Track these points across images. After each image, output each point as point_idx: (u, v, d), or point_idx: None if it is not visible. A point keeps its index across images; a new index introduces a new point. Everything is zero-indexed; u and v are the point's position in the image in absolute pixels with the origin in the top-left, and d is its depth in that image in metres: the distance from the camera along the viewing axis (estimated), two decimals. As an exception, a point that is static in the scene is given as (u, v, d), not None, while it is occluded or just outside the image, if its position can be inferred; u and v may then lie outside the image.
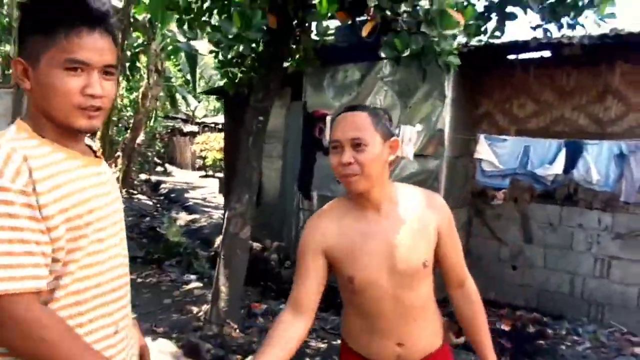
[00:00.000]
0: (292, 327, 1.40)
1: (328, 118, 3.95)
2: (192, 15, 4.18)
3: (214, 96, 10.19)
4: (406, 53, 2.63)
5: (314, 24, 4.53)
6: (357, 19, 3.51)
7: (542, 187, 3.71)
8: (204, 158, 17.82)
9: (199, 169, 19.34)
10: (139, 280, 5.00)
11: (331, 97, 5.63)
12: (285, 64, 4.92)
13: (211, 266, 6.39)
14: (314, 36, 4.59)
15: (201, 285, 4.83)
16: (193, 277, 5.04)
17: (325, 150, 4.07)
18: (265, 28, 3.80)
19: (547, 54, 4.75)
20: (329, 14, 2.66)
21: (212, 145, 17.04)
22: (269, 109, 3.84)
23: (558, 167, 3.44)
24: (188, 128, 21.53)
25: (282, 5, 3.58)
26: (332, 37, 5.95)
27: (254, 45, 3.80)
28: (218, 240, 6.80)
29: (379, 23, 2.67)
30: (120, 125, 14.24)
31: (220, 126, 18.92)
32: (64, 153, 1.02)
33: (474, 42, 4.41)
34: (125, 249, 1.17)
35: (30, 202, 0.93)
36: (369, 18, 2.71)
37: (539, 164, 3.54)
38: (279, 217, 6.70)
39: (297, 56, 4.62)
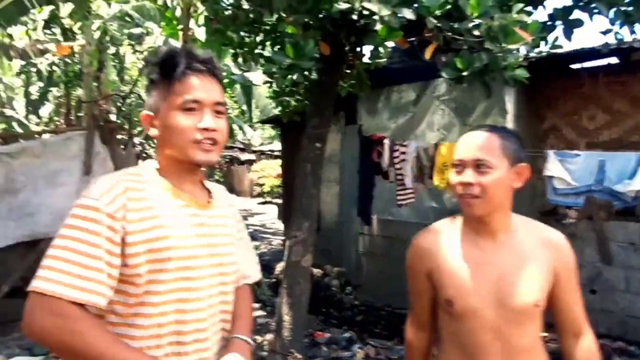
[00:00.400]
0: (421, 345, 1.52)
1: (386, 141, 3.89)
2: (245, 49, 4.29)
3: (270, 124, 10.38)
4: (469, 72, 2.53)
5: (366, 47, 4.53)
6: (412, 38, 3.46)
7: (623, 205, 3.43)
8: (262, 185, 18.14)
9: (257, 196, 19.69)
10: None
11: (386, 119, 5.58)
12: (339, 89, 4.94)
13: (273, 293, 6.39)
14: (365, 59, 4.58)
15: (264, 313, 4.82)
16: (256, 305, 5.03)
17: (384, 174, 4.01)
18: (318, 56, 3.84)
19: (616, 60, 4.47)
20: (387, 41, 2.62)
21: (269, 172, 17.35)
22: (326, 135, 3.83)
23: (639, 182, 3.17)
24: (245, 156, 22.08)
25: (334, 33, 3.60)
26: (384, 59, 5.94)
27: (307, 73, 3.82)
28: (279, 266, 6.81)
29: (441, 44, 2.60)
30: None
31: (276, 153, 19.27)
32: (170, 192, 1.15)
33: (534, 53, 4.24)
34: (227, 294, 1.22)
35: (115, 227, 1.04)
36: (428, 39, 2.64)
37: (618, 180, 3.28)
38: (338, 242, 6.64)
39: (350, 80, 4.62)
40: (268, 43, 4.33)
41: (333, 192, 6.79)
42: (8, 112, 14.88)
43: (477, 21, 2.48)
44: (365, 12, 3.01)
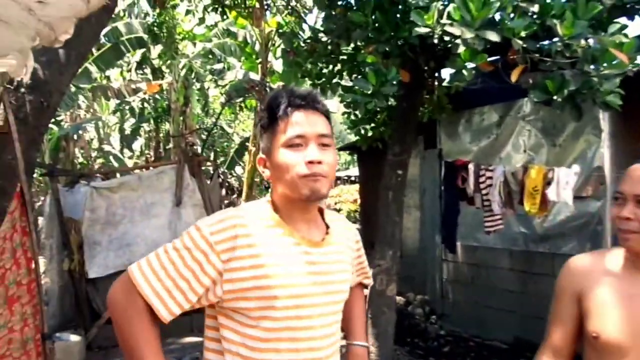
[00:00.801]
0: None
1: (470, 166, 3.77)
2: (323, 80, 4.39)
3: (346, 151, 10.49)
4: (560, 95, 2.41)
5: (445, 71, 4.47)
6: (493, 57, 3.37)
7: None
8: (339, 210, 18.22)
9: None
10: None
11: (468, 142, 5.42)
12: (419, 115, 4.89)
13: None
14: (445, 83, 4.51)
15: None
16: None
17: (470, 200, 3.88)
18: (399, 82, 3.84)
19: None
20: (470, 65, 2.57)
21: (346, 197, 17.40)
22: (407, 162, 3.79)
23: None
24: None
25: (413, 59, 3.59)
26: (465, 83, 5.80)
27: (389, 100, 3.83)
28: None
29: (528, 68, 2.51)
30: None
31: (353, 178, 19.33)
32: (282, 229, 1.17)
33: (630, 67, 3.95)
34: (339, 312, 1.25)
35: (213, 260, 1.10)
36: (513, 61, 2.56)
37: None
38: (420, 269, 6.47)
39: (430, 105, 4.56)
40: (345, 72, 4.41)
41: (413, 218, 6.66)
42: (106, 147, 16.22)
43: (567, 41, 2.36)
44: (446, 37, 2.98)
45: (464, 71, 2.58)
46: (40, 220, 6.89)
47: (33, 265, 2.83)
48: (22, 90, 3.51)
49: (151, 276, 1.09)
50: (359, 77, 3.42)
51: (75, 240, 5.11)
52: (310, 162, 1.13)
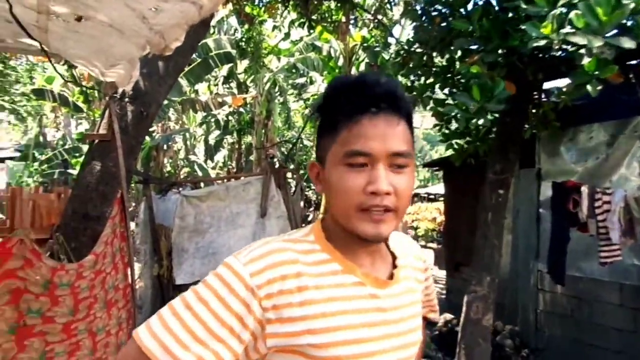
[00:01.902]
0: None
1: (584, 189, 3.40)
2: (414, 93, 4.21)
3: (431, 167, 10.15)
4: None
5: (553, 83, 4.13)
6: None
7: None
8: (416, 228, 17.72)
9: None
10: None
11: (572, 162, 4.96)
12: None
13: (437, 346, 5.99)
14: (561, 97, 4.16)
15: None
16: (424, 362, 4.71)
17: (582, 226, 3.49)
18: (506, 98, 3.58)
19: None
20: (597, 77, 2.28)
21: (424, 215, 16.90)
22: (509, 181, 3.50)
23: None
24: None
25: (521, 70, 3.32)
26: (573, 97, 5.38)
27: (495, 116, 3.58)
28: (441, 318, 6.40)
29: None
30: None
31: (431, 196, 18.78)
32: (340, 265, 0.88)
33: None
34: None
35: (252, 306, 0.80)
36: None
37: None
38: (511, 297, 6.01)
39: (533, 120, 4.23)
40: (438, 85, 4.20)
41: (505, 242, 6.20)
42: (192, 157, 16.97)
43: None
44: (565, 46, 2.71)
45: (589, 85, 2.29)
46: (133, 225, 7.24)
47: (129, 270, 2.88)
48: (125, 99, 3.65)
49: (173, 345, 0.78)
50: (460, 91, 3.20)
51: (164, 246, 5.26)
52: (374, 193, 0.83)
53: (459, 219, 7.22)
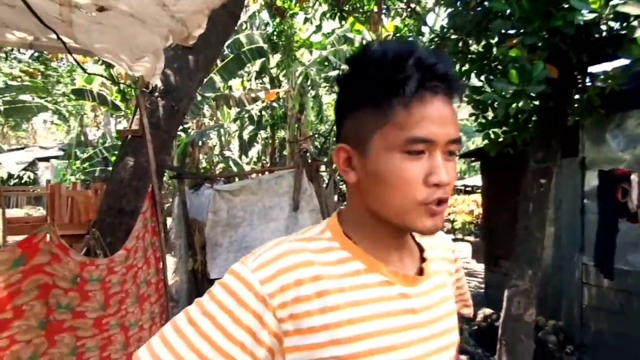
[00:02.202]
0: None
1: (634, 177, 3.19)
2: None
3: (469, 158, 9.89)
4: None
5: (599, 67, 3.90)
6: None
7: None
8: (453, 222, 17.39)
9: (447, 232, 18.94)
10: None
11: (619, 150, 4.69)
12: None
13: (476, 343, 5.82)
14: (599, 82, 3.93)
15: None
16: (463, 358, 4.58)
17: (632, 216, 3.28)
18: (546, 80, 3.40)
19: None
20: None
21: (461, 207, 16.56)
22: (552, 170, 3.32)
23: None
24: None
25: (564, 52, 3.13)
26: (619, 81, 5.10)
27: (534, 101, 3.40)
28: (480, 312, 6.23)
29: None
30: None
31: (468, 188, 18.39)
32: (363, 263, 0.77)
33: None
34: None
35: (269, 320, 0.71)
36: None
37: None
38: (555, 291, 5.77)
39: (577, 106, 4.00)
40: (474, 72, 4.03)
41: (547, 234, 5.96)
42: (226, 153, 17.16)
43: None
44: (612, 23, 2.52)
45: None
46: (169, 220, 7.34)
47: (161, 265, 2.88)
48: (156, 94, 3.67)
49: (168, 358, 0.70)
50: (497, 76, 3.05)
51: (198, 240, 5.30)
52: (437, 185, 0.73)
53: (497, 211, 7.00)
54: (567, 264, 5.47)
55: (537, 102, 3.67)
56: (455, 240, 17.10)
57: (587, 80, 3.74)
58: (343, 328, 0.72)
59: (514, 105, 3.13)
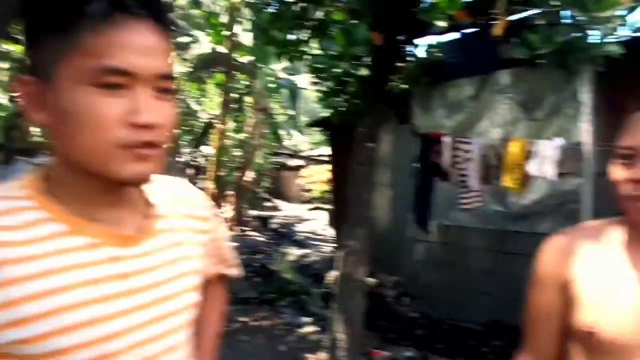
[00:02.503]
0: None
1: (446, 139, 3.50)
2: (290, 48, 4.04)
3: (317, 129, 10.18)
4: (547, 50, 2.14)
5: (421, 40, 4.17)
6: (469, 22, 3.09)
7: None
8: (311, 191, 17.95)
9: (306, 202, 19.51)
10: (254, 323, 4.82)
11: (443, 117, 5.16)
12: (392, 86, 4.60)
13: (325, 305, 6.10)
14: (421, 53, 4.23)
15: (316, 328, 4.51)
16: (306, 319, 4.74)
17: (444, 176, 3.61)
18: (369, 44, 3.53)
19: None
20: (446, 16, 2.25)
21: (318, 177, 17.13)
22: (379, 135, 3.50)
23: None
24: (294, 162, 21.99)
25: (387, 19, 3.27)
26: (440, 53, 5.54)
27: (358, 64, 3.52)
28: (329, 276, 6.52)
29: (512, 20, 2.23)
30: (231, 165, 14.83)
31: (325, 158, 19.05)
32: (66, 224, 0.65)
33: (612, 37, 3.74)
34: (176, 346, 0.75)
35: None
36: (498, 17, 2.27)
37: None
38: (392, 250, 6.25)
39: (403, 75, 4.26)
40: (314, 40, 4.07)
41: (385, 197, 6.41)
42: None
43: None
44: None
45: (439, 22, 2.27)
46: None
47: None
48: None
49: None
50: (327, 36, 3.09)
51: None
52: (141, 126, 0.63)
53: (344, 178, 7.32)
54: (402, 224, 5.93)
55: (366, 72, 3.83)
56: (313, 209, 17.69)
57: (411, 50, 3.99)
58: (28, 304, 0.60)
59: (340, 68, 3.22)
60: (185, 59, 12.20)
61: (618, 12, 2.12)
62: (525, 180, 3.18)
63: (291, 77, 11.50)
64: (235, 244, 9.64)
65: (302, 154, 21.63)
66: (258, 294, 5.65)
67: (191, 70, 10.16)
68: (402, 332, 5.13)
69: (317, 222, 14.16)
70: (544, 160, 3.02)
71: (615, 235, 1.05)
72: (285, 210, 18.41)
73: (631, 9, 2.58)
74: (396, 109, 6.10)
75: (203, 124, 12.42)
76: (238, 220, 11.26)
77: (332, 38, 2.85)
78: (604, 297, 1.00)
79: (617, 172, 1.00)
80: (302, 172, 19.74)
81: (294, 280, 6.52)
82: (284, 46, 4.03)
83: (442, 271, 5.44)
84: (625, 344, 0.97)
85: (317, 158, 19.42)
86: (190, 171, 14.04)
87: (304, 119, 15.02)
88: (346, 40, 2.66)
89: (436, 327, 5.17)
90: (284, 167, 21.79)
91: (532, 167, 3.08)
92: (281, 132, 13.77)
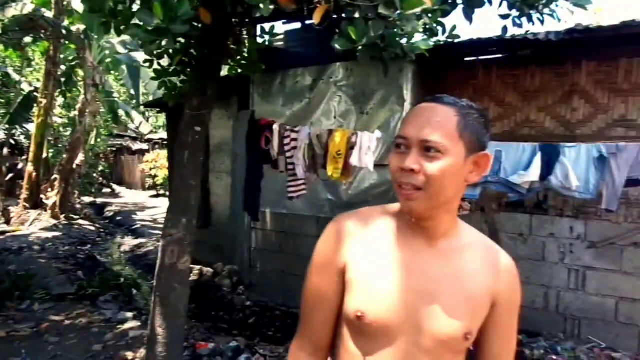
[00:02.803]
0: None
1: (275, 126, 3.47)
2: (119, 19, 3.64)
3: (156, 109, 9.56)
4: (363, 43, 2.20)
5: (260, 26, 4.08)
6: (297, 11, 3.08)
7: (518, 197, 3.35)
8: (154, 177, 16.95)
9: (150, 188, 18.40)
10: (67, 322, 4.32)
11: (281, 105, 5.17)
12: (227, 69, 4.45)
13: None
14: (259, 38, 4.14)
15: (139, 324, 4.20)
16: (129, 314, 4.39)
17: (274, 163, 3.59)
18: (197, 24, 3.32)
19: (508, 52, 4.46)
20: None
21: (163, 163, 16.22)
22: (207, 117, 3.32)
23: (534, 173, 3.08)
24: (137, 146, 20.55)
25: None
26: (281, 42, 5.53)
27: (182, 41, 3.31)
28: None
29: (332, 9, 2.23)
30: (60, 145, 13.23)
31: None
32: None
33: (432, 42, 4.07)
34: None
35: None
36: (318, 4, 2.27)
37: (513, 171, 3.17)
38: (230, 238, 6.13)
39: (239, 59, 4.13)
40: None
41: (225, 184, 6.27)
42: None
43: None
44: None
45: (262, 5, 2.18)
46: None
47: None
48: None
49: None
50: (146, 8, 2.81)
51: None
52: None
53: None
54: (239, 212, 5.84)
55: (194, 51, 3.62)
56: (156, 196, 16.75)
57: (245, 33, 3.88)
58: None
59: (156, 43, 2.97)
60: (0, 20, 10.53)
61: (426, 12, 2.25)
62: (347, 170, 3.29)
63: (132, 53, 10.61)
64: (57, 233, 8.64)
65: (147, 137, 20.30)
66: (77, 289, 5.09)
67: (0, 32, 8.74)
68: (235, 321, 5.06)
69: (160, 210, 13.41)
70: (365, 151, 3.15)
71: (389, 221, 1.08)
72: (126, 197, 17.15)
73: (444, 13, 2.78)
74: (239, 95, 5.98)
75: (22, 97, 10.85)
76: (65, 207, 10.10)
77: (150, 11, 2.59)
78: (372, 282, 1.02)
79: (392, 160, 1.02)
80: (147, 156, 18.53)
81: (121, 273, 6.04)
82: (112, 15, 3.61)
83: (276, 259, 5.49)
84: (391, 328, 0.99)
85: (163, 142, 18.41)
86: (5, 151, 12.20)
87: (148, 99, 14.02)
88: (165, 14, 2.43)
89: (268, 315, 5.20)
90: (126, 150, 20.25)
91: (354, 158, 3.20)
92: (120, 112, 12.67)
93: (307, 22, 4.32)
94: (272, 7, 2.30)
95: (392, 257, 1.03)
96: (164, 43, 2.59)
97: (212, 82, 3.38)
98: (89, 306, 4.80)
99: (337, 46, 2.30)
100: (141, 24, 2.71)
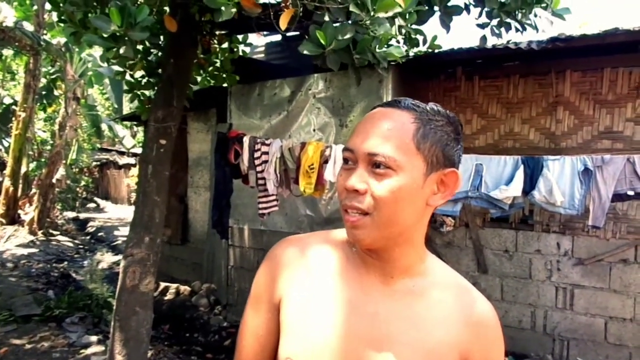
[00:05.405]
0: None
1: (245, 139, 3.30)
2: (89, 28, 3.47)
3: (132, 122, 9.36)
4: (332, 47, 2.04)
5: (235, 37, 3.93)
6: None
7: (500, 212, 3.19)
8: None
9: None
10: (28, 345, 4.07)
11: (259, 118, 5.00)
12: (199, 80, 4.30)
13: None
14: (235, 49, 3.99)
15: (103, 348, 3.96)
16: (94, 338, 4.15)
17: (244, 178, 3.41)
18: (155, 28, 3.18)
19: (491, 62, 4.34)
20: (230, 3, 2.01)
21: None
22: (172, 130, 3.14)
23: (516, 188, 2.91)
24: (124, 160, 20.27)
25: (183, 6, 2.95)
26: (262, 54, 5.40)
27: (140, 49, 3.14)
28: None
29: (298, 14, 2.09)
30: (42, 160, 12.95)
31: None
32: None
33: (412, 52, 3.96)
34: None
35: None
36: (284, 8, 2.12)
37: (494, 186, 3.00)
38: (208, 256, 5.92)
39: (212, 70, 3.98)
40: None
41: (203, 199, 6.07)
42: None
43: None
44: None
45: (223, 8, 2.02)
46: None
47: None
48: None
49: None
50: (102, 14, 2.65)
51: None
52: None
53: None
54: (217, 228, 5.65)
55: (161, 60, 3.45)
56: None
57: (216, 42, 3.73)
58: None
59: (113, 51, 2.81)
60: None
61: (400, 15, 2.11)
62: (321, 184, 3.12)
63: (114, 67, 10.43)
64: (33, 250, 8.36)
65: (132, 151, 20.04)
66: (43, 310, 4.84)
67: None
68: (209, 344, 4.83)
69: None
70: (339, 165, 2.98)
71: (339, 251, 0.88)
72: (111, 212, 16.82)
73: (420, 19, 2.64)
74: (217, 108, 5.81)
75: (1, 111, 10.62)
76: (43, 222, 9.81)
77: (107, 16, 2.43)
78: (307, 324, 0.83)
79: (339, 178, 0.83)
80: (133, 171, 18.25)
81: (93, 292, 5.78)
82: (83, 26, 3.44)
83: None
84: None
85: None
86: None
87: (133, 112, 13.81)
88: (122, 21, 2.27)
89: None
90: (112, 165, 19.95)
91: (327, 172, 3.03)
92: (103, 126, 12.45)
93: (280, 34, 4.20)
94: (233, 10, 2.14)
95: (336, 295, 0.83)
96: (122, 51, 2.41)
97: (180, 93, 3.21)
98: (54, 328, 4.55)
99: (305, 51, 2.14)
100: (96, 26, 2.56)
